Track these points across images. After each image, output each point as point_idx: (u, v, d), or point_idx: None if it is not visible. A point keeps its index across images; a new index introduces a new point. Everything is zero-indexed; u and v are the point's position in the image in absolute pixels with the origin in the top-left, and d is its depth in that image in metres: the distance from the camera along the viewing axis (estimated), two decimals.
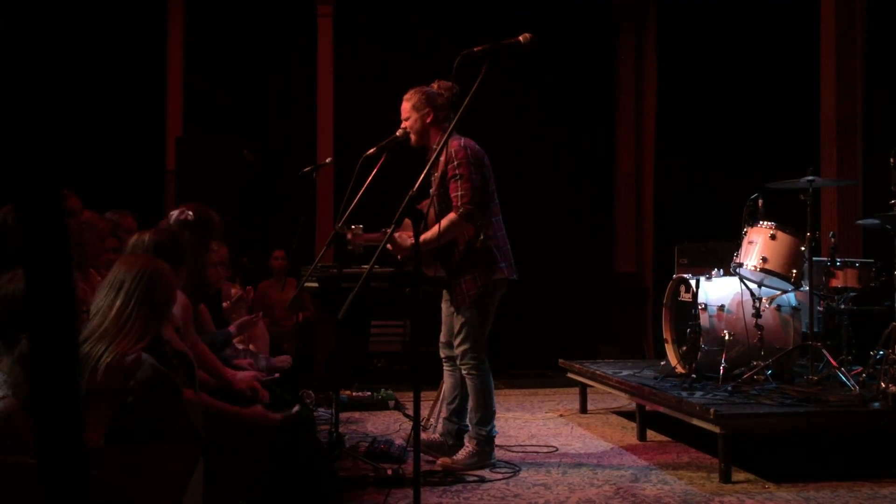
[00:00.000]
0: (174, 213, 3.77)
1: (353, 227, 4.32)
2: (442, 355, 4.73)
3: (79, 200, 3.89)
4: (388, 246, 4.36)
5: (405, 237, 4.32)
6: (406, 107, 4.48)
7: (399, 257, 4.47)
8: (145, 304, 2.62)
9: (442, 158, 4.30)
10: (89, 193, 4.07)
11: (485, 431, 4.46)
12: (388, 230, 4.42)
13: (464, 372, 4.49)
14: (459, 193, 4.28)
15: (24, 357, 2.18)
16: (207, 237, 3.86)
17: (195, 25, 8.54)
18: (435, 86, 4.50)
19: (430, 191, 4.39)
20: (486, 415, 4.47)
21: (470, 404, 4.52)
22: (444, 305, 4.70)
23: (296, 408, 4.15)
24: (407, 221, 4.46)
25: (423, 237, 4.16)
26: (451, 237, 4.32)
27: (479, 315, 4.43)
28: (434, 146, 4.39)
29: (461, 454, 4.45)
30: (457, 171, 4.29)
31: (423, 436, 4.84)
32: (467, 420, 4.58)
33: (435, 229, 4.21)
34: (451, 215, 4.27)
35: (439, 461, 4.44)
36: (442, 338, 4.71)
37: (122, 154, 8.05)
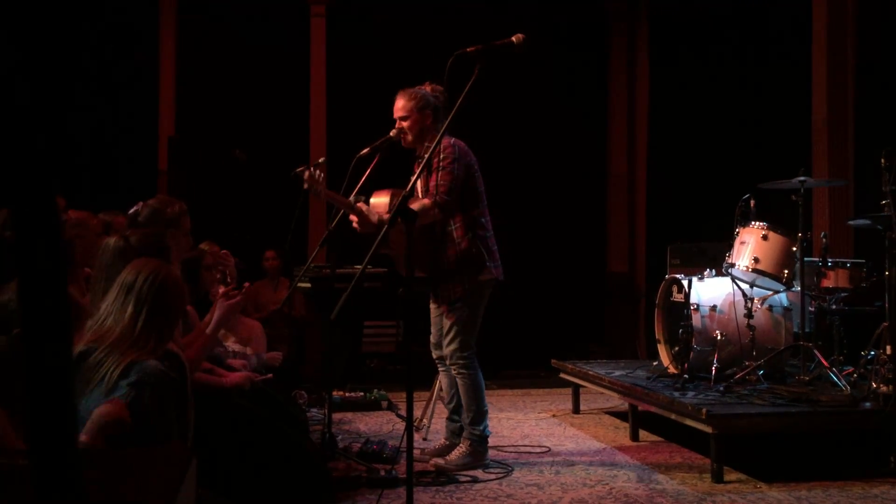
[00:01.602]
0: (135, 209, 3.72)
1: (314, 168, 4.20)
2: (434, 356, 4.73)
3: (63, 199, 3.88)
4: (352, 217, 4.36)
5: (372, 211, 4.33)
6: (407, 106, 4.44)
7: (362, 231, 4.40)
8: (159, 313, 2.58)
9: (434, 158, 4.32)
10: (82, 193, 4.07)
11: (478, 431, 4.46)
12: (357, 198, 4.39)
13: (453, 372, 4.51)
14: (438, 182, 4.30)
15: None
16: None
17: (187, 24, 8.52)
18: (428, 88, 4.50)
19: (418, 185, 4.40)
20: (478, 414, 4.48)
21: (456, 403, 4.54)
22: (432, 306, 4.70)
23: (269, 375, 4.14)
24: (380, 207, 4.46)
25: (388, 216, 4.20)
26: (421, 223, 4.24)
27: (468, 314, 4.44)
28: (427, 144, 4.41)
29: (454, 454, 4.46)
30: (441, 164, 4.31)
31: (418, 437, 4.85)
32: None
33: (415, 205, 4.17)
34: (425, 200, 4.27)
35: (432, 461, 4.44)
36: (432, 338, 4.71)
37: (115, 154, 8.03)
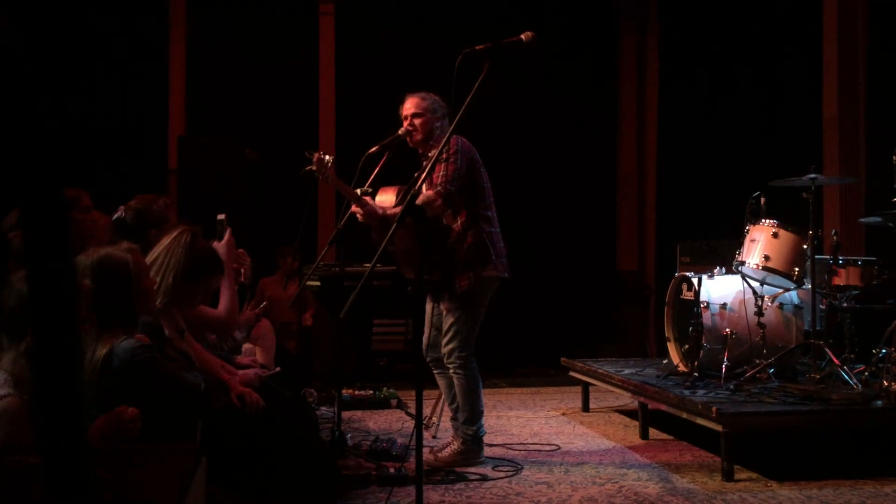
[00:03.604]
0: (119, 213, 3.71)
1: (323, 152, 4.23)
2: (427, 358, 4.65)
3: (90, 199, 3.88)
4: (355, 208, 4.36)
5: (376, 205, 4.34)
6: (422, 104, 4.47)
7: (374, 232, 4.42)
8: (102, 291, 2.57)
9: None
10: (92, 193, 4.07)
11: (471, 431, 4.46)
12: (363, 190, 4.40)
13: (451, 371, 4.48)
14: (441, 174, 4.31)
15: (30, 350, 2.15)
16: (149, 228, 3.78)
17: (197, 24, 8.54)
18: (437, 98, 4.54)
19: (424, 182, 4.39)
20: (473, 414, 4.47)
21: (458, 403, 4.51)
22: (428, 307, 4.67)
23: (277, 369, 4.15)
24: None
25: (393, 211, 4.26)
26: (427, 215, 4.22)
27: (468, 314, 4.43)
28: (432, 144, 4.42)
29: (446, 451, 4.46)
30: (443, 156, 4.31)
31: (427, 435, 4.84)
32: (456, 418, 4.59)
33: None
34: (428, 192, 4.27)
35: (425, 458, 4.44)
36: (425, 339, 4.67)
37: (125, 153, 8.05)
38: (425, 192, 4.27)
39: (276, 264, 7.77)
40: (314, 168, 4.21)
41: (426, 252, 4.37)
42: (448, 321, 4.46)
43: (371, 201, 4.39)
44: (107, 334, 2.56)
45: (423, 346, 4.67)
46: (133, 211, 3.59)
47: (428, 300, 4.66)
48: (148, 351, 2.57)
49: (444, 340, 4.47)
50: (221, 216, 3.90)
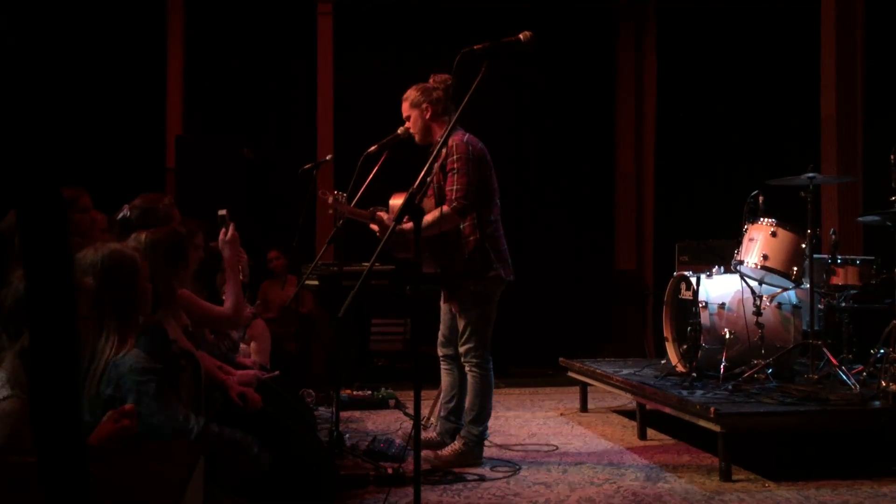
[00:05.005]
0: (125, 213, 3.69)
1: (336, 192, 4.32)
2: (439, 353, 4.72)
3: (89, 198, 3.87)
4: (373, 226, 4.39)
5: (391, 219, 4.33)
6: (404, 105, 4.49)
7: (394, 247, 4.46)
8: (112, 294, 2.55)
9: (444, 151, 4.29)
10: (89, 192, 4.06)
11: (476, 431, 4.45)
12: (376, 208, 4.42)
13: (466, 369, 4.50)
14: (455, 188, 4.27)
15: (25, 350, 2.15)
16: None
17: (195, 23, 8.53)
18: (431, 80, 4.49)
19: (428, 179, 4.37)
20: (481, 414, 4.47)
21: (467, 402, 4.51)
22: (442, 304, 4.70)
23: (276, 372, 4.13)
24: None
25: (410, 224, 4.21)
26: (440, 230, 4.28)
27: (480, 314, 4.43)
28: (438, 139, 4.40)
29: (447, 451, 4.45)
30: (455, 166, 4.28)
31: (422, 434, 4.83)
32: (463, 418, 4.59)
33: (427, 218, 4.16)
34: (444, 208, 4.26)
35: (422, 452, 4.44)
36: (440, 336, 4.71)
37: (123, 152, 8.04)
38: (442, 208, 4.24)
39: (269, 267, 7.75)
40: (331, 211, 4.34)
41: (425, 253, 4.37)
42: (461, 323, 4.48)
43: (386, 216, 4.36)
44: (110, 332, 2.54)
45: (438, 342, 4.71)
46: (138, 209, 3.57)
47: (442, 298, 4.67)
48: (144, 374, 2.53)
49: (461, 342, 4.48)
50: (223, 211, 3.89)
